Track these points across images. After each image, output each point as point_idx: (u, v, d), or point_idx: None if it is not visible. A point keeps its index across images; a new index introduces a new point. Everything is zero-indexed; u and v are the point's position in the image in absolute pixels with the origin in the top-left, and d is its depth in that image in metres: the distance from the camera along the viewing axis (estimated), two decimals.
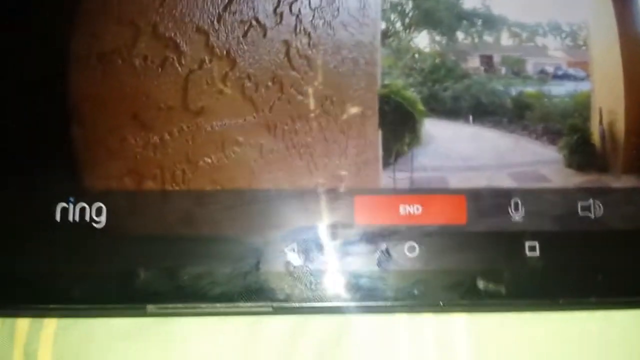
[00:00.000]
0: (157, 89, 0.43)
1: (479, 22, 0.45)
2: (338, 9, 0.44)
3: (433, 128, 0.44)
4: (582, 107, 0.44)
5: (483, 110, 0.44)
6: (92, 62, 0.44)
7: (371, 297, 0.40)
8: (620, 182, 0.43)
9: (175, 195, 0.42)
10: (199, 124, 0.42)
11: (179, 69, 0.43)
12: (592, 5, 0.46)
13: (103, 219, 0.42)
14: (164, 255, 0.41)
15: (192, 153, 0.42)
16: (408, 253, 0.41)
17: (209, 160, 0.42)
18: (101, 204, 0.42)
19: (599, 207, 0.42)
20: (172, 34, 0.43)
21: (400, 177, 0.43)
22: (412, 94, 0.44)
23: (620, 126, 0.44)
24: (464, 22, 0.45)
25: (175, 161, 0.42)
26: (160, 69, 0.43)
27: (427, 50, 0.45)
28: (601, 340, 0.42)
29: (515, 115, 0.44)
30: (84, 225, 0.42)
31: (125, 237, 0.42)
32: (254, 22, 0.43)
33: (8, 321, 0.44)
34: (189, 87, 0.43)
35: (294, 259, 0.41)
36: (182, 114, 0.43)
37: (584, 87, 0.44)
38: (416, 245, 0.41)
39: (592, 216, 0.42)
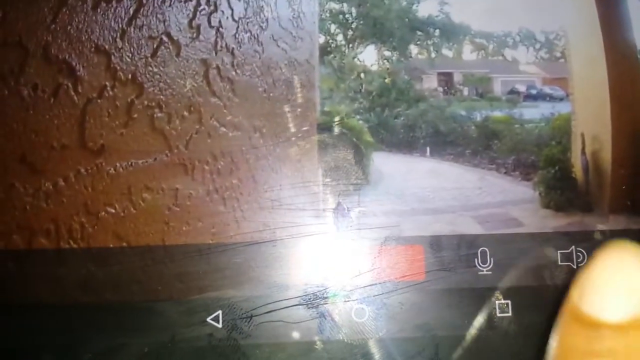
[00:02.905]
0: (50, 124, 0.36)
1: (437, 32, 0.38)
2: (267, 20, 0.37)
3: (383, 163, 0.37)
4: (560, 133, 0.37)
5: (442, 140, 0.37)
6: None
7: None
8: (608, 223, 0.36)
9: (72, 254, 0.35)
10: (100, 165, 0.35)
11: (75, 98, 0.36)
12: (572, 8, 0.39)
13: None
14: (61, 328, 0.35)
15: (92, 202, 0.35)
16: (356, 318, 0.35)
17: (113, 210, 0.35)
18: None
19: (583, 255, 0.35)
20: (67, 56, 0.36)
21: (346, 224, 0.35)
22: (357, 122, 0.37)
23: (607, 156, 0.37)
24: (419, 32, 0.38)
25: (72, 213, 0.35)
26: (52, 99, 0.35)
27: (374, 68, 0.38)
28: None
29: (480, 145, 0.37)
30: None
31: (13, 307, 0.35)
32: (164, 38, 0.36)
33: None
34: (86, 121, 0.36)
35: (218, 330, 0.35)
36: (79, 154, 0.35)
37: (562, 108, 0.38)
38: (365, 308, 0.35)
39: (575, 266, 0.35)
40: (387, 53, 0.37)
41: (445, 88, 0.37)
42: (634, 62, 0.38)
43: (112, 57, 0.36)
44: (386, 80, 0.36)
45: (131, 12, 0.37)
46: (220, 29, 0.37)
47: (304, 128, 0.37)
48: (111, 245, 0.35)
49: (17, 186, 0.35)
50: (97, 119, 0.36)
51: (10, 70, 0.36)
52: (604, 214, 0.36)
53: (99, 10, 0.36)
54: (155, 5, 0.37)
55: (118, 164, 0.36)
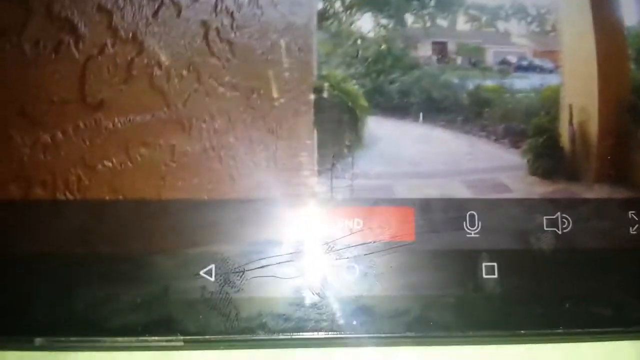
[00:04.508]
0: (50, 79, 0.36)
1: (432, 2, 0.39)
2: None
3: (377, 127, 0.38)
4: (549, 104, 0.38)
5: (435, 106, 0.38)
6: None
7: (303, 329, 0.35)
8: (592, 192, 0.37)
9: (69, 205, 0.36)
10: (98, 120, 0.36)
11: (76, 54, 0.36)
12: None
13: None
14: (55, 277, 0.35)
15: (90, 155, 0.36)
16: (346, 275, 0.36)
17: (110, 164, 0.36)
18: None
19: (567, 221, 0.36)
20: (69, 14, 0.36)
21: (339, 185, 0.36)
22: (353, 86, 0.37)
23: (593, 126, 0.38)
24: (414, 2, 0.39)
25: (69, 165, 0.36)
26: (53, 55, 0.36)
27: (371, 35, 0.39)
28: None
29: (472, 113, 0.38)
30: None
31: (10, 255, 0.35)
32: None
33: None
34: (86, 76, 0.36)
35: (211, 283, 0.35)
36: (78, 109, 0.36)
37: (552, 80, 0.39)
38: (356, 266, 0.36)
39: (559, 232, 0.37)
40: (384, 21, 0.38)
41: (439, 56, 0.38)
42: (620, 39, 0.39)
43: (114, 16, 0.37)
44: (382, 47, 0.37)
45: None
46: None
47: (301, 91, 0.37)
48: (107, 198, 0.36)
49: (16, 138, 0.36)
50: (97, 75, 0.37)
51: (13, 26, 0.37)
52: (589, 182, 0.37)
53: None
54: None
55: (116, 119, 0.36)
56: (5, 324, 0.35)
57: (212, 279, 0.35)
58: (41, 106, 0.36)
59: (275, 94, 0.37)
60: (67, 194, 0.36)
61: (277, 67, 0.37)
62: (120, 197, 0.36)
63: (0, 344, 0.36)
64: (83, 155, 0.36)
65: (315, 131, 0.37)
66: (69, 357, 0.38)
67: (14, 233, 0.36)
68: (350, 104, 0.37)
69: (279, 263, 0.35)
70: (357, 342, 0.36)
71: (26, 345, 0.35)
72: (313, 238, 0.36)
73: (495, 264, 0.36)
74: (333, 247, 0.35)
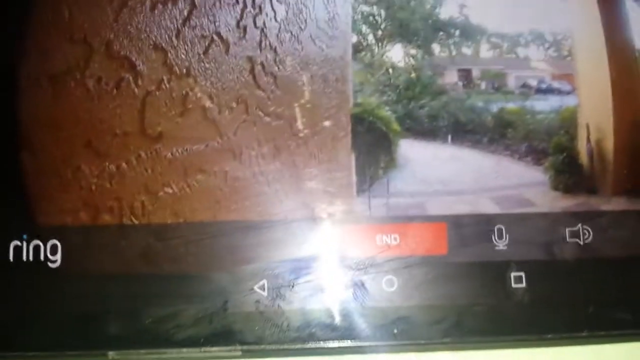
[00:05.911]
0: (112, 113, 0.40)
1: (457, 32, 0.43)
2: (305, 21, 0.41)
3: (409, 149, 0.41)
4: (568, 123, 0.41)
5: (462, 129, 0.41)
6: (42, 84, 0.41)
7: (349, 337, 0.38)
8: (610, 204, 0.40)
9: (134, 229, 0.39)
10: (158, 150, 0.39)
11: (135, 90, 0.40)
12: (577, 12, 0.43)
13: (58, 257, 0.39)
14: (124, 296, 0.39)
15: (152, 183, 0.39)
16: (386, 287, 0.39)
17: (170, 191, 0.39)
18: (56, 241, 0.39)
19: (588, 232, 0.39)
20: (128, 52, 0.40)
21: (376, 203, 0.40)
22: (386, 112, 0.41)
23: (609, 144, 0.41)
24: (441, 33, 0.42)
25: (133, 192, 0.39)
26: (115, 91, 0.40)
27: (401, 64, 0.42)
28: None
29: (496, 133, 0.42)
30: (39, 265, 0.39)
31: (82, 276, 0.39)
32: (215, 37, 0.40)
33: None
34: (146, 111, 0.40)
35: (264, 297, 0.38)
36: (139, 140, 0.40)
37: (569, 101, 0.42)
38: (394, 279, 0.39)
39: (581, 242, 0.40)
40: (413, 51, 0.41)
41: (465, 82, 0.41)
42: (632, 60, 0.42)
43: (169, 54, 0.41)
44: (412, 76, 0.41)
45: (185, 13, 0.41)
46: (265, 29, 0.41)
47: (339, 117, 0.41)
48: (169, 221, 0.39)
49: (83, 168, 0.39)
50: (156, 109, 0.40)
51: (77, 65, 0.40)
52: (607, 196, 0.40)
53: (156, 11, 0.40)
54: (207, 7, 0.41)
55: (174, 149, 0.40)
56: (80, 339, 0.38)
57: (265, 293, 0.38)
58: (105, 138, 0.40)
59: (315, 122, 0.40)
60: (133, 218, 0.39)
61: (317, 97, 0.41)
62: (181, 220, 0.39)
63: (77, 358, 0.39)
64: (146, 183, 0.40)
65: (353, 154, 0.41)
66: None
67: (86, 256, 0.39)
68: (384, 128, 0.41)
69: (324, 277, 0.38)
70: (397, 349, 0.40)
71: (100, 358, 0.38)
72: (354, 253, 0.39)
73: (523, 273, 0.39)
74: (373, 261, 0.39)
